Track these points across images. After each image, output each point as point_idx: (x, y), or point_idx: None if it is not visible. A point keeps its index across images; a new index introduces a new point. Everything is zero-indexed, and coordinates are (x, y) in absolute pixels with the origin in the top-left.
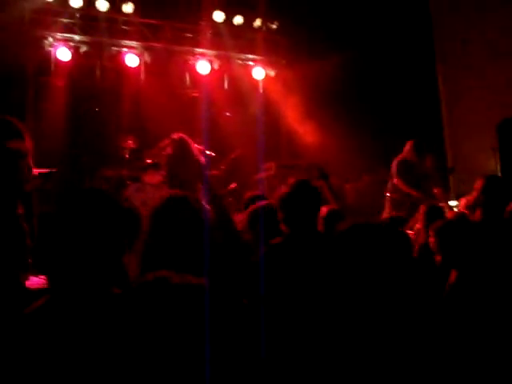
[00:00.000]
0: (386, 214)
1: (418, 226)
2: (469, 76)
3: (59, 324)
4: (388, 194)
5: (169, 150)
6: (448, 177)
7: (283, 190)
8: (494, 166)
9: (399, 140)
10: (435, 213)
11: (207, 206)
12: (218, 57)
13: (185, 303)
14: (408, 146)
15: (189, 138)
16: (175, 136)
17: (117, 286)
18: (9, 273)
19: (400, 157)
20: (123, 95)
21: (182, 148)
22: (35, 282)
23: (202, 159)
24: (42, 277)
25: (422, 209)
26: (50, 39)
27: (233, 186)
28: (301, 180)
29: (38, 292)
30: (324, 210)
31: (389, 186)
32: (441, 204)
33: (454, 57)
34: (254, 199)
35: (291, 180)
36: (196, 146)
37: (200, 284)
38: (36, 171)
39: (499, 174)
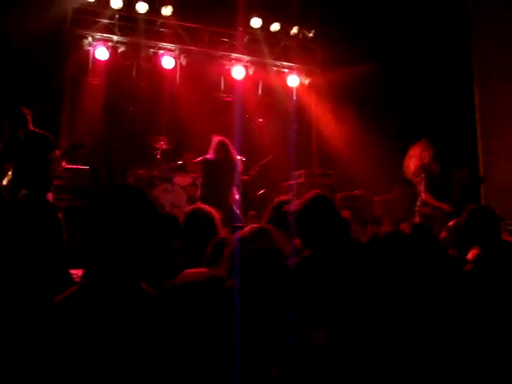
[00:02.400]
0: None
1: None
2: (507, 91)
3: (87, 312)
4: (417, 209)
5: (210, 154)
6: (479, 187)
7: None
8: None
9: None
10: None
11: (237, 211)
12: (253, 63)
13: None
14: (425, 155)
15: (229, 142)
16: (218, 139)
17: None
18: (56, 262)
19: (422, 167)
20: (158, 96)
21: (223, 153)
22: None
23: (239, 165)
24: (73, 271)
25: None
26: (90, 39)
27: (262, 191)
28: (317, 193)
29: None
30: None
31: (418, 202)
32: None
33: (491, 64)
34: (282, 204)
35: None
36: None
37: (230, 287)
38: (69, 167)
39: None
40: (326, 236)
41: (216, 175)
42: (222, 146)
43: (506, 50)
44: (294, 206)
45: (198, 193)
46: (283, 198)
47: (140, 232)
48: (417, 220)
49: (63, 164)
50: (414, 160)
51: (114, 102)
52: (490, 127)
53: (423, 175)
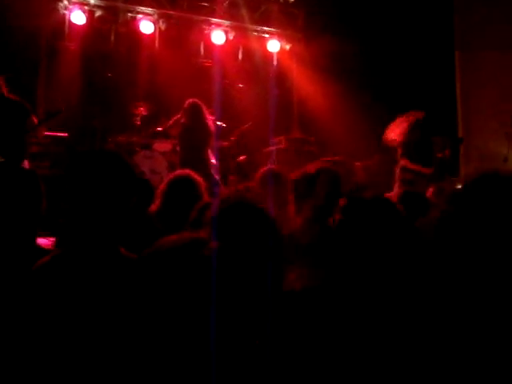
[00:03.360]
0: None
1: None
2: (488, 59)
3: (65, 279)
4: (398, 175)
5: (182, 118)
6: (458, 149)
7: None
8: (505, 151)
9: None
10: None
11: (216, 176)
12: (233, 27)
13: (191, 270)
14: (407, 122)
15: (203, 105)
16: (190, 101)
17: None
18: (24, 231)
19: (401, 133)
20: (137, 62)
21: (194, 115)
22: (43, 242)
23: (213, 127)
24: (51, 238)
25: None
26: (65, 2)
27: (242, 158)
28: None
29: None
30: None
31: (398, 165)
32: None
33: (473, 43)
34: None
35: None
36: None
37: (208, 255)
38: (48, 134)
39: (511, 159)
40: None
41: (191, 138)
42: (194, 109)
43: (487, 18)
44: (296, 173)
45: (178, 158)
46: (270, 167)
47: (117, 197)
48: (397, 184)
49: (43, 131)
50: (394, 127)
51: (92, 68)
52: (470, 95)
53: (403, 141)
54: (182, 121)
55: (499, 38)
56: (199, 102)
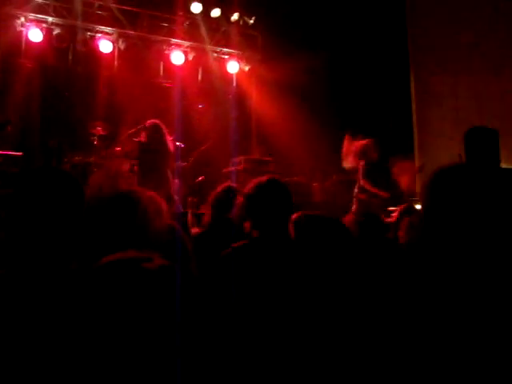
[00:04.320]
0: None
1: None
2: (441, 83)
3: (11, 298)
4: (354, 195)
5: (141, 137)
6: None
7: (252, 185)
8: None
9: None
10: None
11: (176, 197)
12: (193, 48)
13: (153, 284)
14: (367, 147)
15: (163, 125)
16: (150, 121)
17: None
18: None
19: (360, 154)
20: (95, 81)
21: (154, 135)
22: None
23: (172, 148)
24: None
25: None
26: (22, 19)
27: (201, 178)
28: (272, 178)
29: None
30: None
31: (355, 188)
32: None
33: (427, 63)
34: (228, 191)
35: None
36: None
37: (168, 266)
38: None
39: None
40: (276, 220)
41: (150, 159)
42: (154, 129)
43: (440, 43)
44: (247, 188)
45: (136, 179)
46: (227, 184)
47: (61, 215)
48: (354, 206)
49: None
50: (352, 149)
51: (50, 87)
52: (425, 116)
53: (362, 162)
54: (142, 140)
55: (451, 62)
56: (159, 123)
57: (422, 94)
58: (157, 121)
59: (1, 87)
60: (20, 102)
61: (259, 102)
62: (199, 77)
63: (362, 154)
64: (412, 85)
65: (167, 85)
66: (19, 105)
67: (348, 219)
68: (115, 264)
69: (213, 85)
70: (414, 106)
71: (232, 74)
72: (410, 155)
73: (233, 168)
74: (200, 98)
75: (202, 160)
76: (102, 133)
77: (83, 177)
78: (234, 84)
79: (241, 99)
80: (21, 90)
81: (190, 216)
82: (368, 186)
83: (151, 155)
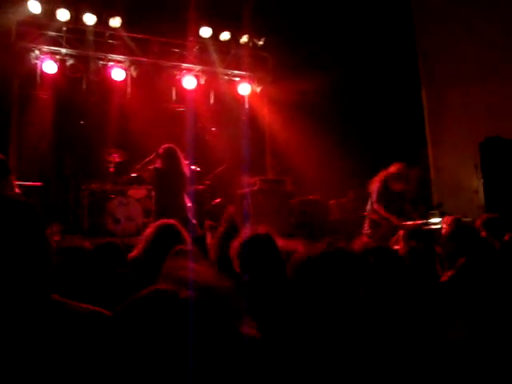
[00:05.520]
0: (364, 232)
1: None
2: (453, 94)
3: None
4: (366, 214)
5: (157, 163)
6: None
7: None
8: (475, 182)
9: (384, 156)
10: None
11: (193, 221)
12: (204, 72)
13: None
14: (392, 171)
15: (178, 149)
16: (165, 146)
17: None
18: None
19: (381, 180)
20: (109, 109)
21: (170, 160)
22: None
23: (188, 172)
24: None
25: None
26: (37, 52)
27: (218, 200)
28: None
29: None
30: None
31: (368, 205)
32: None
33: (438, 75)
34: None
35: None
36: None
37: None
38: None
39: (481, 191)
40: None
41: (167, 184)
42: (169, 154)
43: (449, 56)
44: (237, 241)
45: (153, 205)
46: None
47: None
48: (366, 226)
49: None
50: (380, 175)
51: (65, 116)
52: (439, 131)
53: (379, 186)
54: (158, 166)
55: (462, 73)
56: (174, 147)
57: (434, 106)
58: (171, 145)
59: (18, 119)
60: (37, 133)
61: (272, 122)
62: (211, 100)
63: (384, 180)
64: (424, 98)
65: (180, 109)
66: (37, 135)
67: (358, 244)
68: (156, 294)
69: (225, 107)
70: (426, 119)
71: (244, 96)
72: (425, 167)
73: (248, 189)
74: (213, 120)
75: (218, 183)
76: (117, 160)
77: (101, 204)
78: (247, 106)
79: (253, 120)
80: (38, 121)
81: (209, 239)
82: (380, 210)
83: (167, 180)
